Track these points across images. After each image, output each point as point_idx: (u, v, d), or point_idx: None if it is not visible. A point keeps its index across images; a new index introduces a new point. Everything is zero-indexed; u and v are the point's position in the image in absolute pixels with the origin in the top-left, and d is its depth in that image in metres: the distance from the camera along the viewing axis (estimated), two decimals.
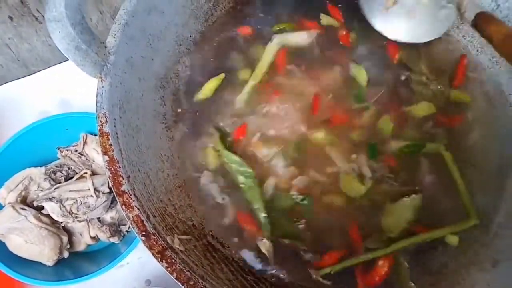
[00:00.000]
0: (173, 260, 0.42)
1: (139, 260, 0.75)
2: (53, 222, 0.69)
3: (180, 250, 0.44)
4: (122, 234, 0.73)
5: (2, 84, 0.89)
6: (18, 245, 0.66)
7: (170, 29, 0.58)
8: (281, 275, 0.50)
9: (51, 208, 0.66)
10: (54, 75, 0.88)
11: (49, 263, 0.67)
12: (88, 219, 0.70)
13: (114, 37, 0.50)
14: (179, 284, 0.41)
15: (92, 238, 0.72)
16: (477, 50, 0.64)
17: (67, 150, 0.73)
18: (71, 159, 0.73)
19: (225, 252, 0.50)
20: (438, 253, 0.54)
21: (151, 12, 0.55)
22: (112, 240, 0.71)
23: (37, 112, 0.83)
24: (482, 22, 0.55)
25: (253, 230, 0.52)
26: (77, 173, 0.71)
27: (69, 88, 0.85)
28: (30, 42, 0.92)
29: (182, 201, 0.52)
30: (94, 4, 0.91)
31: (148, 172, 0.50)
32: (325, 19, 0.64)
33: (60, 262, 0.69)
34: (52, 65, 0.90)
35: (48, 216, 0.68)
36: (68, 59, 0.46)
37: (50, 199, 0.66)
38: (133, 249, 0.67)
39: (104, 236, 0.71)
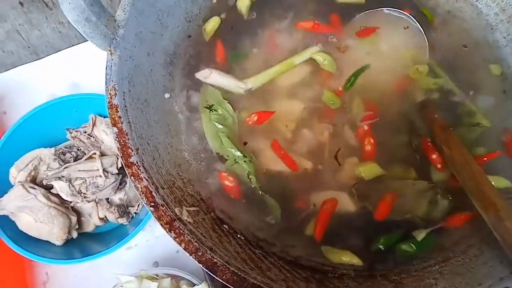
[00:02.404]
0: (181, 231, 0.42)
1: (147, 242, 0.76)
2: (62, 202, 0.69)
3: (189, 222, 0.44)
4: (130, 216, 0.73)
5: (12, 68, 0.90)
6: (28, 224, 0.66)
7: (179, 4, 0.57)
8: (290, 250, 0.49)
9: (60, 187, 0.67)
10: (64, 59, 0.89)
11: (58, 242, 0.68)
12: (97, 200, 0.70)
13: (123, 11, 0.50)
14: (187, 254, 0.41)
15: (100, 219, 0.72)
16: None
17: (76, 131, 0.73)
18: (80, 140, 0.73)
19: (233, 226, 0.49)
20: None
21: None
22: (120, 221, 0.71)
23: (47, 95, 0.83)
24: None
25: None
26: (86, 154, 0.71)
27: (78, 71, 0.86)
28: (40, 28, 0.92)
29: (191, 175, 0.52)
30: None
31: (157, 145, 0.50)
32: None
33: (69, 242, 0.70)
34: (60, 50, 0.91)
35: (57, 195, 0.68)
36: (75, 45, 0.46)
37: (59, 178, 0.67)
38: (140, 230, 0.67)
39: (112, 217, 0.71)
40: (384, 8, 0.62)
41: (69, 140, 0.74)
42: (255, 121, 0.57)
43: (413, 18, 0.61)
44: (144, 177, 0.44)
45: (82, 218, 0.72)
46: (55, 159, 0.71)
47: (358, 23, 0.62)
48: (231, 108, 0.57)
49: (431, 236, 0.52)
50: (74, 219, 0.69)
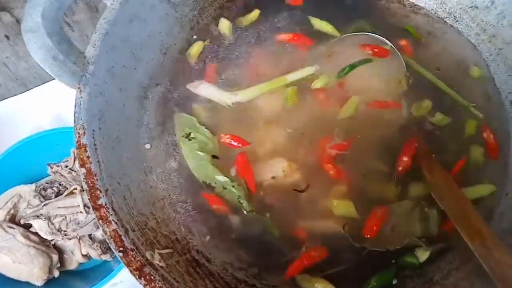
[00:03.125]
0: (152, 277, 0.40)
1: (133, 278, 0.73)
2: (43, 241, 0.67)
3: (161, 266, 0.42)
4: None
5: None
6: (6, 265, 0.64)
7: (154, 37, 0.56)
8: None
9: (39, 225, 0.65)
10: (49, 91, 0.88)
11: (39, 283, 0.65)
12: (78, 237, 0.68)
13: (94, 47, 0.49)
14: None
15: (83, 256, 0.69)
16: None
17: (57, 165, 0.71)
18: (62, 175, 0.71)
19: (210, 268, 0.47)
20: None
21: (133, 21, 0.53)
22: (104, 257, 0.69)
23: (32, 127, 0.82)
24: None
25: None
26: (67, 189, 0.69)
27: (63, 103, 0.84)
28: (27, 60, 0.92)
29: (166, 214, 0.50)
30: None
31: (129, 184, 0.48)
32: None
33: (50, 281, 0.67)
34: (47, 81, 0.90)
35: (37, 234, 0.66)
36: None
37: (37, 216, 0.65)
38: (124, 267, 0.65)
39: (95, 254, 0.68)
40: (364, 33, 0.61)
41: (50, 175, 0.73)
42: (229, 144, 0.55)
43: (389, 43, 0.60)
44: (113, 220, 0.42)
45: (65, 255, 0.70)
46: (35, 195, 0.69)
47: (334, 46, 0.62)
48: (209, 132, 0.56)
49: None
50: (55, 257, 0.67)
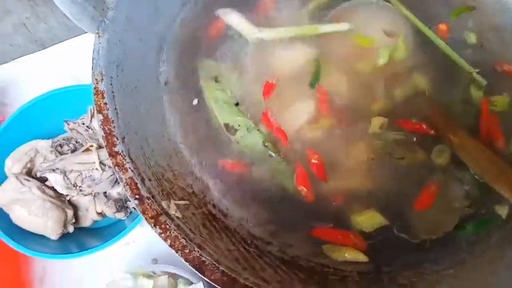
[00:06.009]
0: (168, 226, 0.39)
1: (147, 239, 0.73)
2: (59, 196, 0.67)
3: (176, 216, 0.41)
4: (128, 210, 0.70)
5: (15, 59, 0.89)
6: (22, 217, 0.64)
7: None
8: (287, 249, 0.45)
9: (54, 179, 0.64)
10: (66, 50, 0.87)
11: (53, 236, 0.65)
12: (94, 194, 0.68)
13: None
14: (174, 251, 0.38)
15: (98, 213, 0.69)
16: None
17: (74, 123, 0.71)
18: (78, 132, 0.71)
19: (227, 223, 0.46)
20: None
21: None
22: (118, 216, 0.69)
23: (48, 86, 0.81)
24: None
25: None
26: (83, 146, 0.69)
27: (80, 62, 0.83)
28: (47, 21, 0.90)
29: (183, 167, 0.48)
30: None
31: (146, 135, 0.46)
32: None
33: (65, 236, 0.67)
34: (64, 40, 0.89)
35: (53, 188, 0.66)
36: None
37: (53, 170, 0.64)
38: (138, 224, 0.65)
39: (109, 212, 0.68)
40: None
41: (67, 132, 0.72)
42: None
43: None
44: (129, 168, 0.41)
45: (79, 212, 0.70)
46: (52, 151, 0.69)
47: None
48: (235, 79, 0.54)
49: None
50: (70, 213, 0.67)
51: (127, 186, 0.40)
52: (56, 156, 0.68)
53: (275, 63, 0.56)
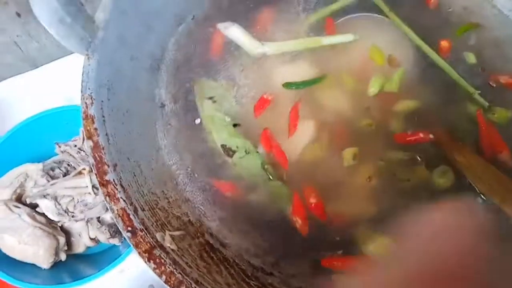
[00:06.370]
0: (163, 261, 0.36)
1: (142, 265, 0.69)
2: (50, 222, 0.64)
3: (172, 249, 0.38)
4: (122, 236, 0.67)
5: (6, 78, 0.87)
6: (11, 246, 0.61)
7: (168, 5, 0.52)
8: (290, 280, 0.43)
9: (45, 205, 0.62)
10: (59, 69, 0.85)
11: (45, 265, 0.62)
12: (87, 219, 0.65)
13: (104, 12, 0.45)
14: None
15: (91, 239, 0.66)
16: None
17: (66, 145, 0.68)
18: (70, 154, 0.68)
19: (225, 253, 0.43)
20: None
21: None
22: (112, 241, 0.66)
23: (41, 106, 0.79)
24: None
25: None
26: (75, 170, 0.66)
27: (73, 82, 0.81)
28: (39, 40, 0.89)
29: (178, 194, 0.46)
30: None
31: (139, 161, 0.44)
32: None
33: (57, 264, 0.64)
34: (56, 59, 0.87)
35: (43, 215, 0.63)
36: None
37: (44, 196, 0.62)
38: (132, 251, 0.62)
39: (103, 237, 0.65)
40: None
41: (58, 154, 0.70)
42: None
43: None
44: (121, 197, 0.38)
45: (72, 238, 0.67)
46: (43, 175, 0.66)
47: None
48: (233, 99, 0.52)
49: None
50: (62, 239, 0.64)
51: (119, 218, 0.37)
52: (48, 181, 0.66)
53: (276, 80, 0.54)
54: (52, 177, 0.67)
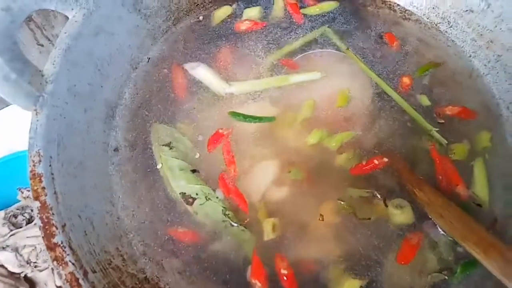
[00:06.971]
0: None
1: None
2: (11, 274, 0.61)
3: None
4: None
5: None
6: None
7: (122, 51, 0.52)
8: None
9: (5, 258, 0.59)
10: (20, 111, 0.82)
11: None
12: (51, 268, 0.63)
13: (53, 64, 0.45)
14: None
15: (58, 287, 0.64)
16: None
17: (29, 190, 0.66)
18: None
19: None
20: None
21: (98, 34, 0.49)
22: None
23: (3, 150, 0.77)
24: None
25: None
26: None
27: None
28: None
29: (134, 249, 0.44)
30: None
31: (92, 217, 0.43)
32: None
33: None
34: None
35: (4, 267, 0.61)
36: None
37: (3, 248, 0.59)
38: None
39: None
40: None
41: (20, 201, 0.68)
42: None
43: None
44: (69, 261, 0.37)
45: None
46: (4, 223, 0.64)
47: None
48: (190, 142, 0.51)
49: None
50: None
51: (67, 283, 0.36)
52: (10, 229, 0.63)
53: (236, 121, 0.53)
54: (14, 225, 0.64)
